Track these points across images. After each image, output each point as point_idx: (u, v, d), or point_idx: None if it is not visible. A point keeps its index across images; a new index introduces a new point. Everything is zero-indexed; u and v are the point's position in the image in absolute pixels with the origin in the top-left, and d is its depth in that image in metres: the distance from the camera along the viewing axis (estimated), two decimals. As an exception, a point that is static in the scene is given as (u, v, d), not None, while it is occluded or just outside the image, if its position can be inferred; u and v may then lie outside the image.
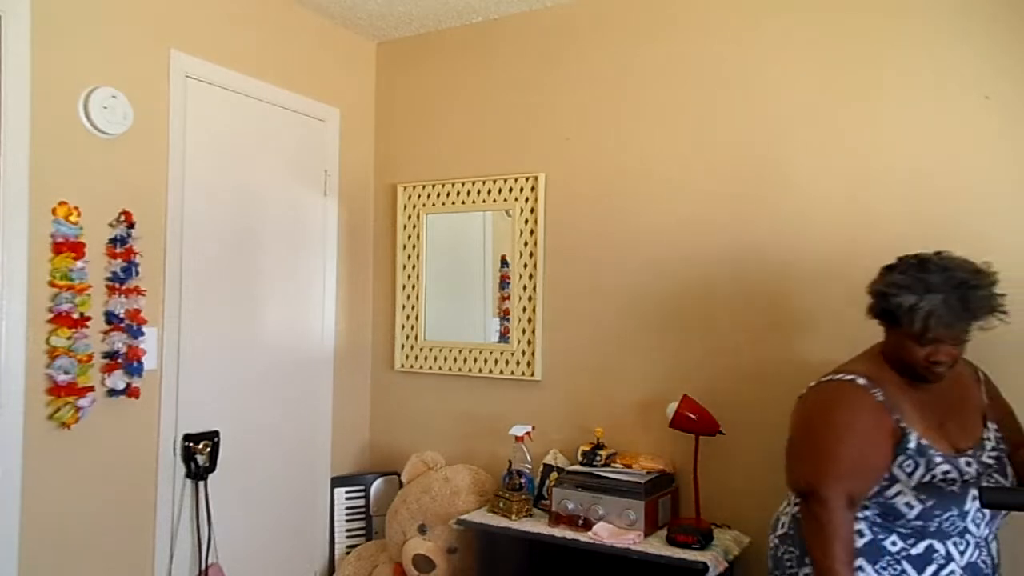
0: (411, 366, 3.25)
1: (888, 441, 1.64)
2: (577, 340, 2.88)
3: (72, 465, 2.23)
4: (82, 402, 2.20)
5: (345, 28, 3.23)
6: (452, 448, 3.07)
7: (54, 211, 2.16)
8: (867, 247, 2.38)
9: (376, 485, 3.14)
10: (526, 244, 2.98)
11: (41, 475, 2.15)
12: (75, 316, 2.19)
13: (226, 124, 2.73)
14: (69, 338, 2.17)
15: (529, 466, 2.72)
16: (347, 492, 3.13)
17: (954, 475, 1.63)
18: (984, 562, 1.71)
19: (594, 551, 2.33)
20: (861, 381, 1.68)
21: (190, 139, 2.58)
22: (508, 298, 3.03)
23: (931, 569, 1.66)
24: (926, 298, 1.60)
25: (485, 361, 3.07)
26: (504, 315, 3.04)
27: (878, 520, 1.68)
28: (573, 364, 2.88)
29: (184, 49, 2.55)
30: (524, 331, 2.97)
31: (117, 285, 2.31)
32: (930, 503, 1.63)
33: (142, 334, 2.37)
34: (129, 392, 2.34)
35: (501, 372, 3.02)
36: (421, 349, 3.22)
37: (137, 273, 2.36)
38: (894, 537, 1.67)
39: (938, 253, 1.70)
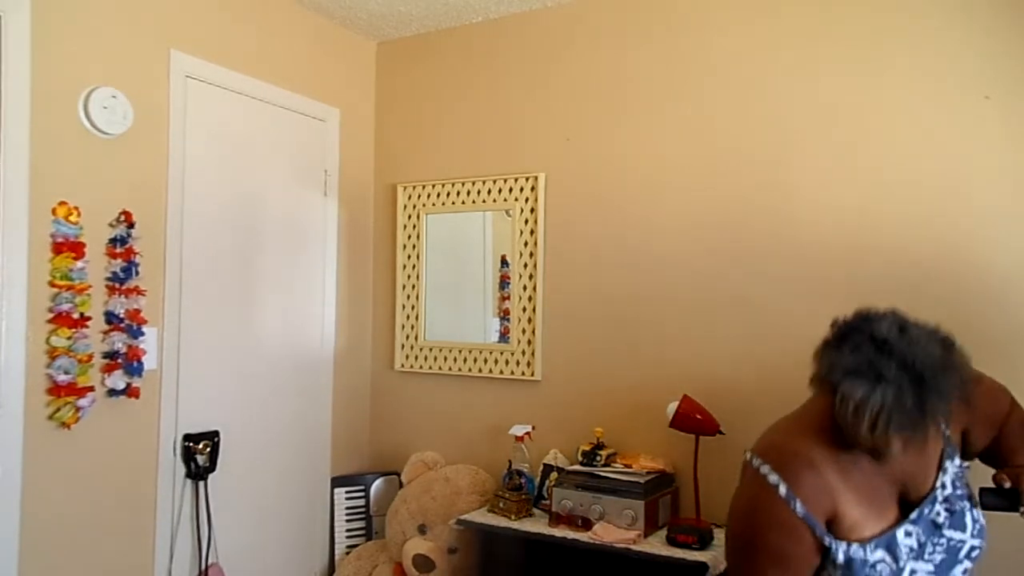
0: (411, 366, 3.25)
1: (808, 553, 1.36)
2: (577, 340, 2.88)
3: (72, 465, 2.23)
4: (82, 402, 2.20)
5: (345, 28, 3.23)
6: (452, 448, 3.07)
7: (54, 211, 2.16)
8: (867, 247, 2.38)
9: (376, 485, 3.14)
10: (526, 244, 2.98)
11: (41, 475, 2.15)
12: (75, 316, 2.19)
13: (226, 124, 2.73)
14: (69, 338, 2.18)
15: (529, 466, 2.72)
16: (347, 492, 3.13)
17: (887, 563, 1.37)
18: None
19: (594, 551, 2.33)
20: (780, 487, 1.35)
21: (190, 139, 2.58)
22: (508, 298, 3.03)
23: None
24: (877, 390, 1.28)
25: (485, 361, 3.07)
26: (504, 315, 3.05)
27: None
28: (573, 364, 2.88)
29: (184, 49, 2.55)
30: (524, 331, 2.98)
31: (117, 285, 2.31)
32: None
33: (142, 334, 2.37)
34: (129, 392, 2.34)
35: (501, 372, 3.02)
36: (421, 349, 3.22)
37: (137, 273, 2.36)
38: None
39: (896, 317, 1.38)
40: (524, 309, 2.98)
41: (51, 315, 2.15)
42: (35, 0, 2.12)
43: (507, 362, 3.02)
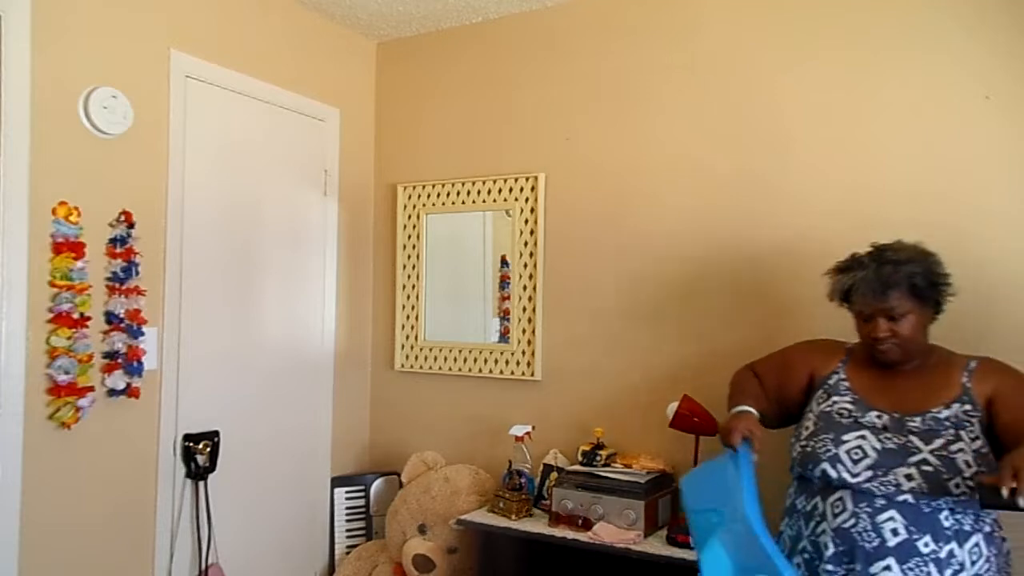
0: (411, 366, 3.25)
1: (818, 361, 1.94)
2: (577, 340, 2.88)
3: (72, 465, 2.23)
4: (82, 402, 2.20)
5: (345, 28, 3.23)
6: (452, 448, 3.07)
7: (54, 211, 2.16)
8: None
9: (376, 485, 3.14)
10: (526, 244, 2.98)
11: (41, 475, 2.15)
12: (75, 316, 2.19)
13: (226, 124, 2.72)
14: (69, 338, 2.17)
15: (529, 466, 2.72)
16: (347, 492, 3.13)
17: (853, 412, 1.78)
18: (863, 533, 1.66)
19: (594, 551, 2.33)
20: (845, 342, 1.95)
21: (190, 139, 2.57)
22: (508, 298, 3.03)
23: (811, 524, 1.76)
24: (851, 273, 1.79)
25: (485, 361, 3.07)
26: (504, 315, 3.04)
27: (795, 483, 1.86)
28: (573, 364, 2.88)
29: (184, 49, 2.55)
30: (524, 331, 2.97)
31: (117, 285, 2.31)
32: (820, 425, 1.80)
33: (142, 334, 2.37)
34: (129, 392, 2.34)
35: (501, 372, 3.02)
36: (421, 349, 3.22)
37: (137, 273, 2.36)
38: (802, 498, 1.81)
39: (895, 242, 1.83)
40: (524, 309, 2.98)
41: (51, 315, 2.15)
42: (35, 0, 2.12)
43: (507, 362, 3.01)
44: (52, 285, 2.15)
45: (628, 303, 2.78)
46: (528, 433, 2.75)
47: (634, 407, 2.75)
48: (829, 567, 1.68)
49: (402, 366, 3.27)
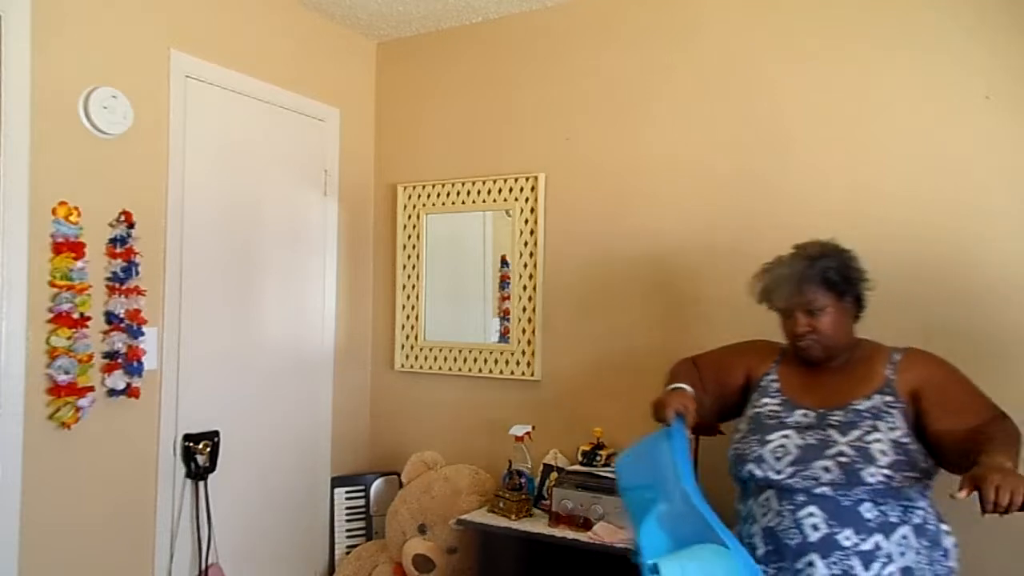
0: (411, 366, 3.25)
1: (753, 361, 1.96)
2: (577, 340, 2.88)
3: (72, 465, 2.23)
4: (82, 402, 2.20)
5: (345, 28, 3.23)
6: (452, 448, 3.07)
7: (54, 211, 2.16)
8: (867, 249, 2.37)
9: (376, 485, 3.14)
10: (526, 244, 2.98)
11: (41, 475, 2.15)
12: (75, 316, 2.19)
13: (226, 124, 2.72)
14: (69, 338, 2.17)
15: (529, 466, 2.72)
16: (347, 492, 3.13)
17: (779, 413, 1.80)
18: (786, 531, 1.66)
19: (594, 551, 2.33)
20: (780, 343, 1.96)
21: (190, 139, 2.57)
22: (508, 298, 3.03)
23: (747, 526, 1.78)
24: (770, 273, 1.85)
25: (485, 361, 3.07)
26: (504, 315, 3.04)
27: (737, 487, 1.88)
28: (573, 364, 2.88)
29: (184, 49, 2.55)
30: (524, 331, 2.97)
31: (117, 285, 2.31)
32: (751, 427, 1.82)
33: (142, 334, 2.37)
34: (129, 392, 2.34)
35: (501, 372, 3.02)
36: (421, 349, 3.22)
37: (137, 273, 2.36)
38: (741, 501, 1.84)
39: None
40: (524, 309, 2.98)
41: (51, 315, 2.15)
42: (35, 0, 2.12)
43: (507, 362, 3.01)
44: (52, 285, 2.15)
45: (628, 302, 2.78)
46: (528, 433, 2.75)
47: (634, 407, 2.74)
48: (761, 567, 1.67)
49: (402, 366, 3.27)
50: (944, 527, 1.71)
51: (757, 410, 1.85)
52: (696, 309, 2.66)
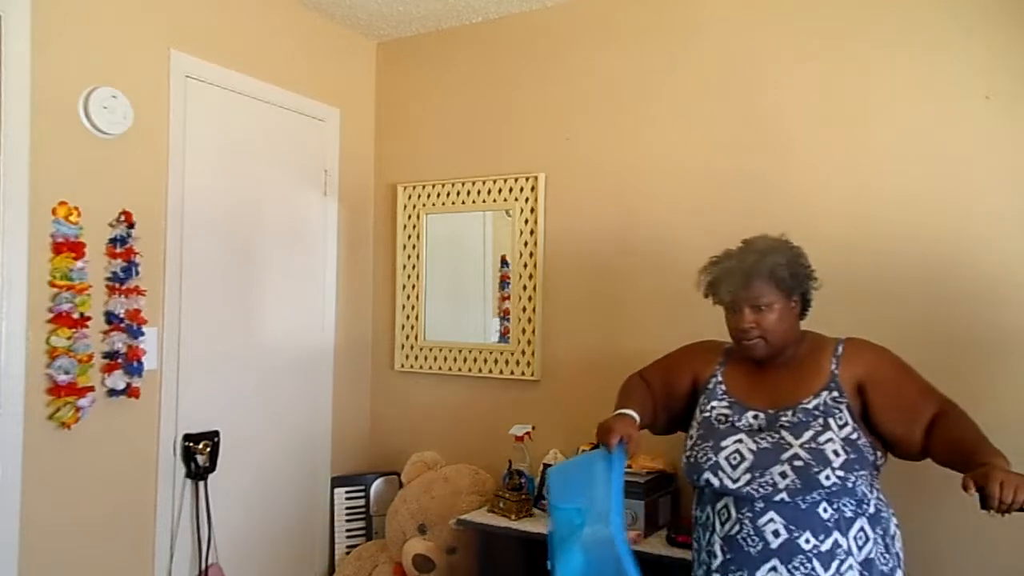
0: (411, 366, 3.25)
1: (699, 364, 1.93)
2: (577, 340, 2.88)
3: (72, 465, 2.23)
4: (82, 402, 2.20)
5: (345, 28, 3.23)
6: (452, 448, 3.07)
7: (54, 211, 2.16)
8: (867, 250, 2.38)
9: (376, 485, 3.14)
10: (526, 244, 2.98)
11: (41, 475, 2.15)
12: (75, 316, 2.19)
13: (226, 124, 2.73)
14: (69, 338, 2.18)
15: (529, 466, 2.72)
16: (347, 492, 3.13)
17: (730, 416, 1.77)
18: (747, 539, 1.65)
19: (594, 551, 2.33)
20: (724, 343, 1.93)
21: (190, 139, 2.57)
22: (508, 298, 3.03)
23: (706, 535, 1.77)
24: (718, 266, 1.82)
25: (485, 361, 3.07)
26: (504, 315, 3.04)
27: (695, 494, 1.87)
28: (573, 364, 2.88)
29: (184, 49, 2.55)
30: (524, 331, 2.97)
31: (117, 285, 2.31)
32: (701, 432, 1.79)
33: (142, 334, 2.37)
34: (129, 392, 2.34)
35: (501, 372, 3.02)
36: (421, 349, 3.22)
37: (137, 273, 2.36)
38: (698, 508, 1.83)
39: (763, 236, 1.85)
40: (524, 309, 2.98)
41: (51, 315, 2.15)
42: (35, 0, 2.12)
43: (507, 362, 3.01)
44: (52, 285, 2.15)
45: (628, 302, 2.78)
46: (528, 433, 2.75)
47: (634, 407, 2.74)
48: (717, 575, 1.69)
49: (402, 366, 3.27)
50: (891, 511, 1.73)
51: (706, 415, 1.81)
52: (696, 309, 2.65)
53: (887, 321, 2.27)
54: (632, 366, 2.75)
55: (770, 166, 2.54)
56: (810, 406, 1.69)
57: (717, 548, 1.71)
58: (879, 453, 1.70)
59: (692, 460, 1.77)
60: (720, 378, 1.86)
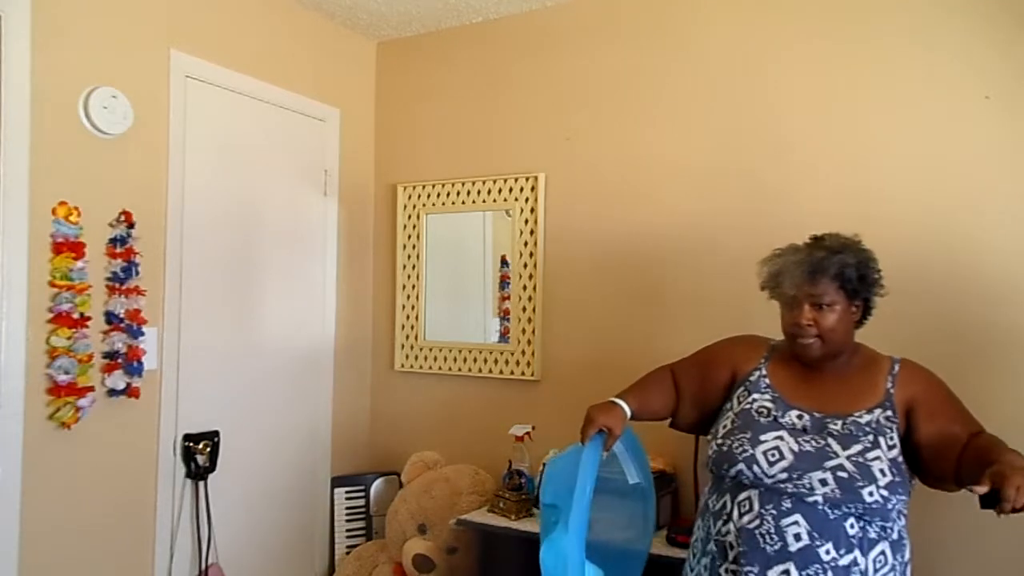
0: (411, 366, 3.25)
1: (740, 357, 1.86)
2: (577, 340, 2.88)
3: (72, 465, 2.23)
4: (82, 402, 2.20)
5: (345, 28, 3.23)
6: (452, 448, 3.07)
7: (54, 211, 2.16)
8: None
9: (376, 485, 3.14)
10: (526, 244, 2.98)
11: (41, 475, 2.15)
12: (75, 316, 2.19)
13: (226, 124, 2.73)
14: (69, 338, 2.18)
15: (529, 466, 2.72)
16: (347, 492, 3.13)
17: (772, 411, 1.71)
18: (765, 536, 1.60)
19: (594, 551, 2.33)
20: (770, 339, 1.88)
21: (190, 139, 2.58)
22: (508, 298, 3.03)
23: (719, 524, 1.70)
24: (783, 258, 1.75)
25: (485, 361, 3.07)
26: (504, 315, 3.04)
27: (710, 483, 1.80)
28: (573, 364, 2.88)
29: (184, 49, 2.55)
30: (524, 331, 2.97)
31: (117, 285, 2.31)
32: (738, 423, 1.73)
33: (142, 334, 2.37)
34: (129, 392, 2.34)
35: (501, 372, 3.02)
36: (421, 349, 3.22)
37: (137, 273, 2.36)
38: (714, 497, 1.75)
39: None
40: (524, 309, 2.98)
41: (51, 315, 2.15)
42: (35, 0, 2.12)
43: (507, 362, 3.01)
44: (52, 285, 2.15)
45: (628, 303, 2.78)
46: (528, 433, 2.75)
47: (634, 407, 2.74)
48: (731, 567, 1.63)
49: (402, 366, 3.27)
50: (909, 539, 1.68)
51: (746, 406, 1.75)
52: (696, 309, 2.66)
53: (886, 321, 2.27)
54: (632, 366, 2.75)
55: (770, 166, 2.54)
56: (862, 420, 1.65)
57: (732, 539, 1.64)
58: (914, 481, 1.67)
59: (725, 449, 1.70)
60: (765, 372, 1.80)
